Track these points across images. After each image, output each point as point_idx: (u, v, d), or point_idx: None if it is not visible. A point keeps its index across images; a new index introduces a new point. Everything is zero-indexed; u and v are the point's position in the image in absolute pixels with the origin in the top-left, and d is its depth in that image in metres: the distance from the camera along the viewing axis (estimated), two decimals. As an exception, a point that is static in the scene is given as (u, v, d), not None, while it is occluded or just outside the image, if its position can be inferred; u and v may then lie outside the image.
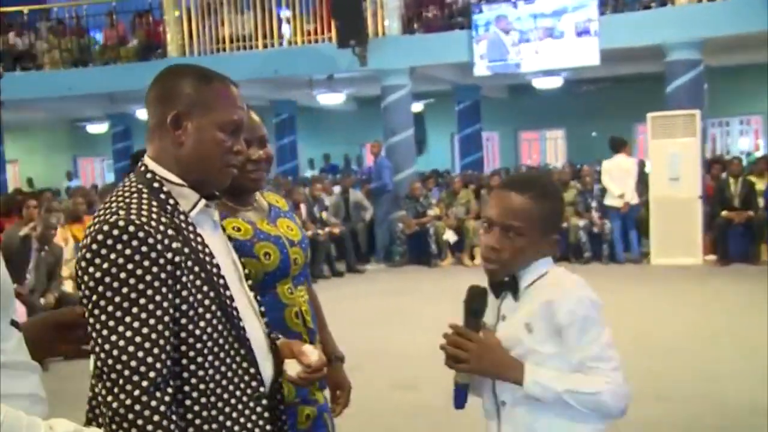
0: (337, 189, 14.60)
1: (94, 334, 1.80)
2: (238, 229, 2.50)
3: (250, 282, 2.19)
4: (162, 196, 1.94)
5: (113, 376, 1.75)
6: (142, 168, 1.99)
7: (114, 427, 1.74)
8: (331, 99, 18.38)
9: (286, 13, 15.69)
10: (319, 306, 2.94)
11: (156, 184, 1.95)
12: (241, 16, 15.73)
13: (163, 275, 1.82)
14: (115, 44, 17.07)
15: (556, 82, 16.79)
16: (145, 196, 1.91)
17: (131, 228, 1.80)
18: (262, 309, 2.19)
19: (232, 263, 2.10)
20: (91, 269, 1.81)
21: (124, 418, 1.74)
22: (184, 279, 1.86)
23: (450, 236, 13.48)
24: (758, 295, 9.37)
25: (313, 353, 2.18)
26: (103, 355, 1.77)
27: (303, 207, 13.00)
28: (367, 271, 13.42)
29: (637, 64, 15.27)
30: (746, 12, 12.47)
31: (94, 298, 1.80)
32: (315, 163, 22.43)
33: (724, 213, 12.20)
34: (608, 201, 12.88)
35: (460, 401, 2.35)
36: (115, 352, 1.76)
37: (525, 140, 22.98)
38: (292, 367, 2.17)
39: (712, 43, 12.97)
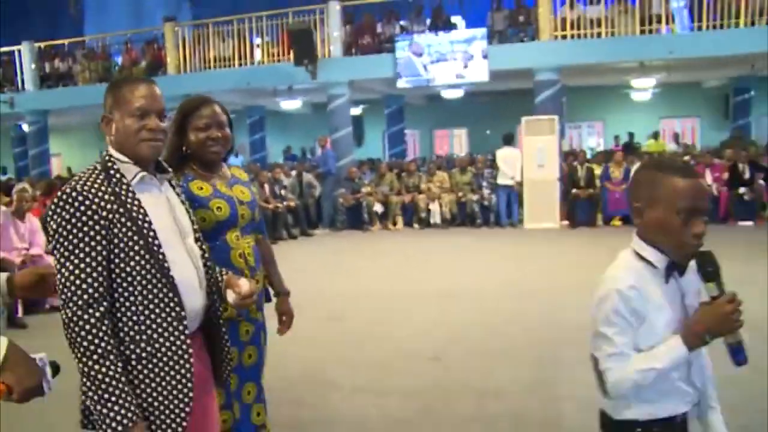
0: (294, 173, 14.56)
1: (57, 269, 1.93)
2: (201, 189, 2.61)
3: (198, 235, 2.21)
4: (111, 171, 2.00)
5: (62, 297, 1.89)
6: (103, 153, 2.09)
7: (65, 333, 1.88)
8: (291, 105, 18.28)
9: (257, 40, 15.57)
10: (272, 254, 3.00)
11: (108, 163, 2.02)
12: (223, 43, 15.59)
13: (96, 227, 1.91)
14: (130, 65, 16.88)
15: (459, 93, 16.95)
16: (96, 172, 1.99)
17: (73, 194, 1.91)
18: (205, 255, 2.19)
19: (172, 220, 2.11)
20: (48, 226, 1.94)
21: (68, 326, 1.88)
22: (116, 230, 1.93)
23: (378, 208, 13.53)
24: (596, 246, 9.64)
25: (245, 284, 2.23)
26: (59, 284, 1.91)
27: (266, 186, 12.92)
28: (315, 235, 13.35)
29: (517, 81, 15.49)
30: (592, 48, 12.85)
31: (51, 245, 1.94)
32: (285, 154, 22.20)
33: (573, 191, 12.53)
34: (500, 180, 12.96)
35: (741, 356, 1.83)
36: (63, 281, 1.90)
37: (438, 137, 23.13)
38: (230, 295, 2.23)
39: (568, 69, 13.27)
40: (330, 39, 14.43)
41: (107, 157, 2.04)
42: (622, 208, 12.00)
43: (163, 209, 2.09)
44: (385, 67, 14.25)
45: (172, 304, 1.99)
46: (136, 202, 1.99)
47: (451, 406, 4.34)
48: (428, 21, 15.00)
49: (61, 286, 1.90)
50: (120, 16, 19.95)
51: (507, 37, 14.07)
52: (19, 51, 17.13)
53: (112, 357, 1.87)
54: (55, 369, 1.82)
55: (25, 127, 17.58)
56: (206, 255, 2.20)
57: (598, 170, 12.82)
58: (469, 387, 4.67)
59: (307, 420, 4.22)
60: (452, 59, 13.83)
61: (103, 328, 1.88)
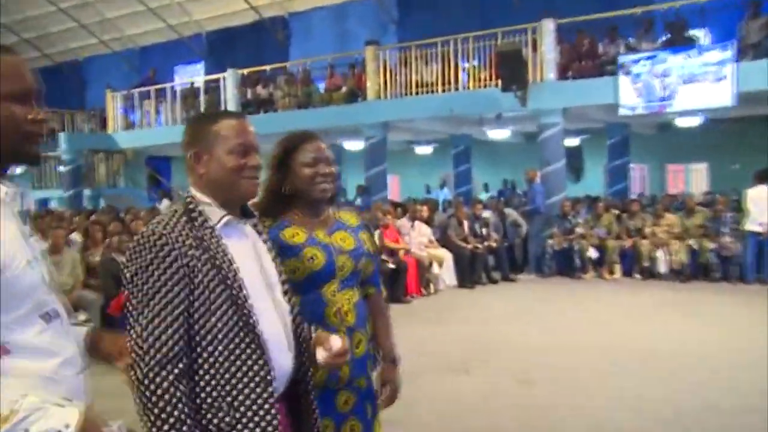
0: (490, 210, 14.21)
1: (128, 320, 1.89)
2: (294, 236, 2.55)
3: (286, 287, 2.16)
4: (193, 214, 1.98)
5: (135, 353, 1.84)
6: (185, 194, 2.06)
7: (138, 393, 1.83)
8: (499, 134, 18.15)
9: (466, 64, 15.56)
10: (385, 313, 2.88)
11: (191, 205, 2.00)
12: (426, 67, 15.76)
13: (176, 275, 1.87)
14: (330, 90, 17.53)
15: (696, 121, 15.80)
16: (177, 214, 1.97)
17: (152, 237, 1.89)
18: (294, 310, 2.15)
19: (259, 269, 2.07)
20: (125, 269, 1.92)
21: (139, 388, 1.82)
22: (198, 279, 1.89)
23: (592, 253, 12.90)
24: None
25: (336, 341, 2.16)
26: (130, 339, 1.86)
27: (466, 223, 12.87)
28: (519, 280, 13.00)
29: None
30: None
31: (127, 292, 1.90)
32: (489, 187, 22.00)
33: None
34: (748, 226, 11.72)
35: None
36: (135, 335, 1.85)
37: (671, 171, 21.71)
38: (319, 353, 2.15)
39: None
40: (543, 61, 14.12)
41: (188, 198, 2.03)
42: None
43: (250, 257, 2.06)
44: (606, 92, 13.63)
45: (258, 365, 1.93)
46: (221, 248, 1.96)
47: None
48: (661, 38, 14.13)
49: (132, 342, 1.85)
50: (325, 41, 20.99)
51: (764, 50, 12.81)
52: (224, 78, 18.59)
53: (185, 427, 1.81)
54: None
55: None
56: (295, 310, 2.16)
57: None
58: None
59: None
60: (690, 81, 12.91)
61: (179, 391, 1.82)
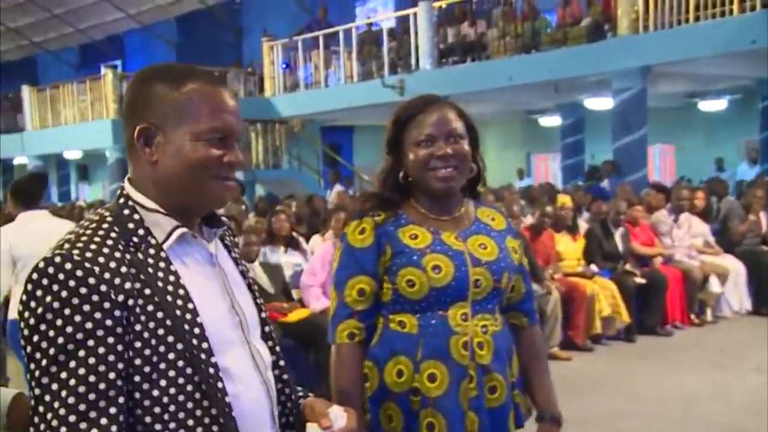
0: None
1: (30, 393, 1.83)
2: (415, 237, 2.75)
3: (268, 328, 2.21)
4: (131, 225, 1.95)
5: None
6: (119, 192, 2.02)
7: None
8: None
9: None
10: (539, 353, 3.02)
11: (127, 211, 1.97)
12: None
13: (108, 322, 1.82)
14: (568, 25, 17.11)
15: None
16: (105, 225, 1.93)
17: (68, 265, 1.82)
18: (280, 363, 2.21)
19: (230, 306, 2.05)
20: (26, 314, 1.83)
21: None
22: (138, 327, 1.85)
23: None
24: None
25: (338, 417, 2.14)
26: (37, 419, 1.80)
27: (764, 215, 12.12)
28: None
29: None
30: None
31: (29, 349, 1.83)
32: None
33: None
34: None
35: None
36: (48, 416, 1.78)
37: None
38: (311, 430, 2.16)
39: None
40: None
41: (125, 201, 2.00)
42: None
43: (215, 288, 2.04)
44: None
45: None
46: (171, 279, 1.93)
47: None
48: None
49: (39, 422, 1.80)
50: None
51: None
52: (414, 15, 18.39)
53: None
54: None
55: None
56: (281, 363, 2.22)
57: None
58: None
59: None
60: None
61: None
